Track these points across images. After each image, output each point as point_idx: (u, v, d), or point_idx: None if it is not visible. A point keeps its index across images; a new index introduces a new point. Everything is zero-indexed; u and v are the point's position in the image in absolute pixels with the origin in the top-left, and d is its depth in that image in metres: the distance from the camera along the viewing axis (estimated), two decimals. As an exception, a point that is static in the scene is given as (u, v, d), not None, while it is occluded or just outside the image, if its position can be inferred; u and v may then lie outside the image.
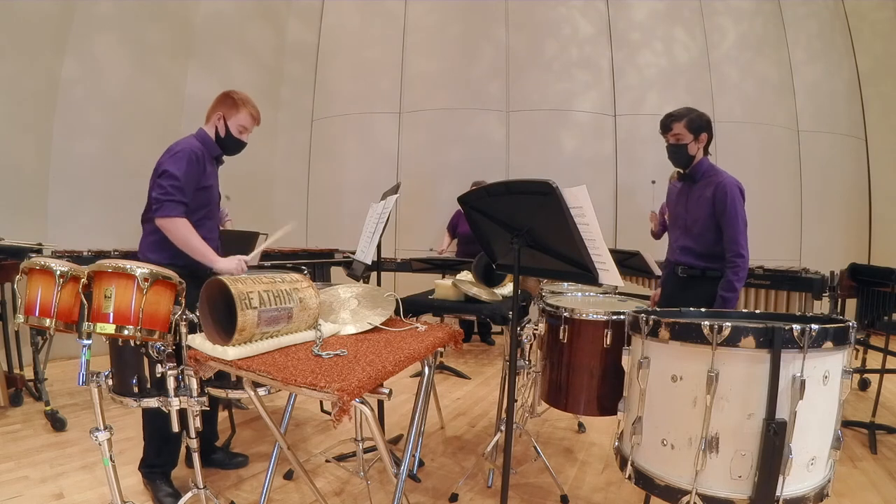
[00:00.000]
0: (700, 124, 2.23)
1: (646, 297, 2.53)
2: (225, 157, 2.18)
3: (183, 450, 2.19)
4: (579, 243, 1.39)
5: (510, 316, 1.71)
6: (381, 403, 2.33)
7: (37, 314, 1.53)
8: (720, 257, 2.19)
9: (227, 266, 1.89)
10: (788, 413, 1.24)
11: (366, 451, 2.18)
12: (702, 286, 2.21)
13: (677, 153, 2.26)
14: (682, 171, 2.33)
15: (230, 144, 2.09)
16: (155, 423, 1.90)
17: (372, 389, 1.22)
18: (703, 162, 2.26)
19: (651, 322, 1.43)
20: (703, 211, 2.19)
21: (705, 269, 2.23)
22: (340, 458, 2.33)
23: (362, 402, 1.22)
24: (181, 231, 1.86)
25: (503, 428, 1.99)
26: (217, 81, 5.25)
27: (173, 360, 1.46)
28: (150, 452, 1.98)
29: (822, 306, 3.37)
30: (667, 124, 2.27)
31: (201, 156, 1.96)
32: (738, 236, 2.11)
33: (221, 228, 3.90)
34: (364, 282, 2.24)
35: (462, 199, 1.65)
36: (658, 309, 1.85)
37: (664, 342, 1.39)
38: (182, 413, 1.50)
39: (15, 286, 2.05)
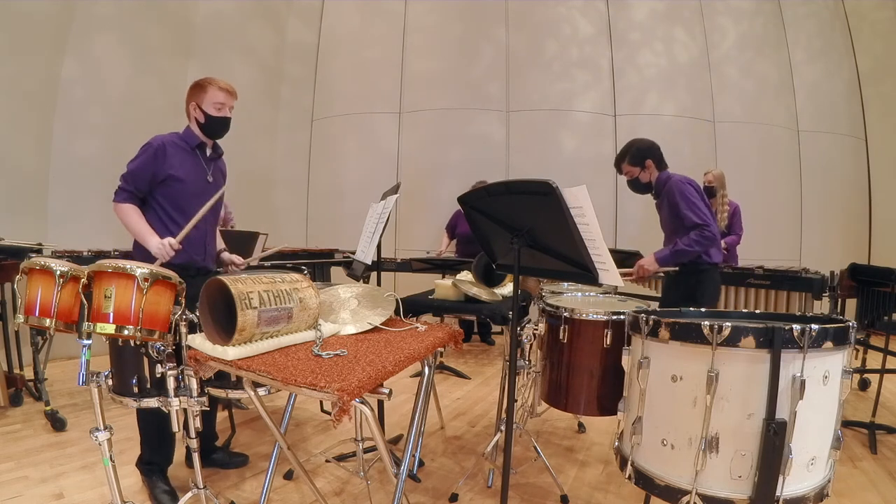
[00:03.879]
0: (639, 155, 2.45)
1: (646, 297, 2.56)
2: (223, 156, 2.18)
3: (183, 450, 2.20)
4: (579, 243, 1.39)
5: (510, 316, 1.71)
6: (381, 403, 2.33)
7: (37, 314, 1.52)
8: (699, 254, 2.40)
9: (155, 245, 1.86)
10: (788, 413, 1.24)
11: (366, 451, 2.18)
12: (685, 280, 2.44)
13: (635, 186, 2.54)
14: (647, 194, 2.58)
15: (214, 125, 2.03)
16: (150, 422, 1.92)
17: (372, 389, 1.22)
18: (659, 177, 2.49)
19: (651, 322, 1.43)
20: (666, 214, 2.48)
21: (685, 264, 2.43)
22: (340, 458, 2.33)
23: (362, 402, 1.22)
24: (122, 215, 1.94)
25: (503, 428, 1.99)
26: (217, 81, 5.25)
27: (173, 360, 1.46)
28: (147, 450, 2.00)
29: (822, 306, 3.36)
30: (618, 168, 2.54)
31: (165, 148, 1.95)
32: (687, 213, 2.31)
33: (224, 229, 3.90)
34: (364, 282, 2.24)
35: (462, 199, 1.65)
36: (658, 309, 1.86)
37: (664, 342, 1.39)
38: (182, 413, 1.50)
39: (15, 286, 2.05)
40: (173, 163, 1.97)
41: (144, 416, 1.94)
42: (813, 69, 5.66)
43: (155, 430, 1.95)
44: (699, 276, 2.39)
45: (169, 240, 1.86)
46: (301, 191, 6.08)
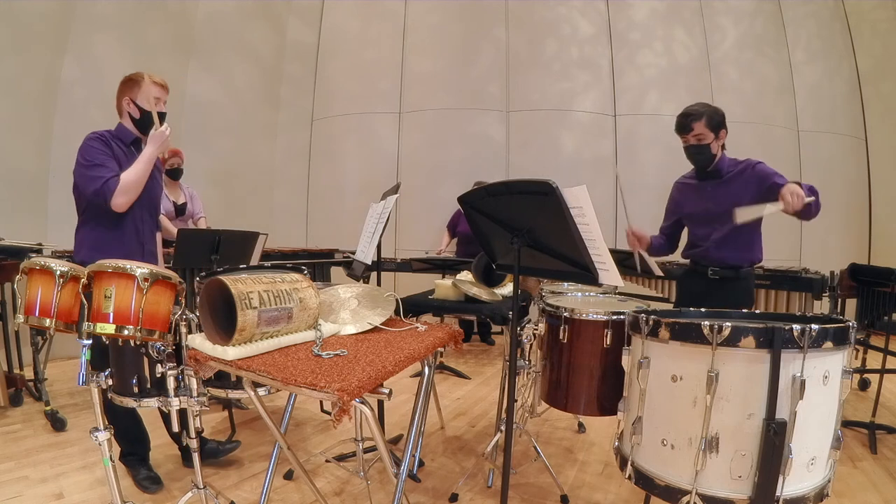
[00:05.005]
0: (719, 121, 2.13)
1: (646, 297, 2.53)
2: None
3: (182, 450, 2.20)
4: (579, 243, 1.39)
5: (510, 316, 1.71)
6: (381, 403, 2.33)
7: (37, 314, 1.53)
8: (752, 249, 2.20)
9: (153, 146, 1.94)
10: (788, 413, 1.24)
11: (366, 451, 2.18)
12: (735, 286, 2.18)
13: (700, 153, 2.15)
14: (702, 169, 2.24)
15: (149, 119, 2.04)
16: (119, 417, 1.93)
17: (372, 389, 1.22)
18: (724, 158, 2.21)
19: (651, 322, 1.43)
20: (742, 199, 2.08)
21: (739, 266, 2.19)
22: (340, 458, 2.33)
23: (362, 402, 1.22)
24: (126, 186, 1.89)
25: (503, 428, 1.99)
26: (217, 81, 5.25)
27: (173, 360, 1.46)
28: (123, 444, 2.06)
29: (822, 306, 3.36)
30: (686, 125, 2.13)
31: (107, 139, 1.99)
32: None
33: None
34: (364, 282, 2.24)
35: (462, 199, 1.65)
36: (658, 309, 1.86)
37: (664, 342, 1.39)
38: (182, 413, 1.50)
39: (15, 286, 2.05)
40: (120, 156, 1.99)
41: (112, 412, 1.92)
42: (813, 69, 5.66)
43: (125, 424, 2.00)
44: (749, 280, 2.22)
45: (154, 132, 1.94)
46: (301, 191, 6.08)
